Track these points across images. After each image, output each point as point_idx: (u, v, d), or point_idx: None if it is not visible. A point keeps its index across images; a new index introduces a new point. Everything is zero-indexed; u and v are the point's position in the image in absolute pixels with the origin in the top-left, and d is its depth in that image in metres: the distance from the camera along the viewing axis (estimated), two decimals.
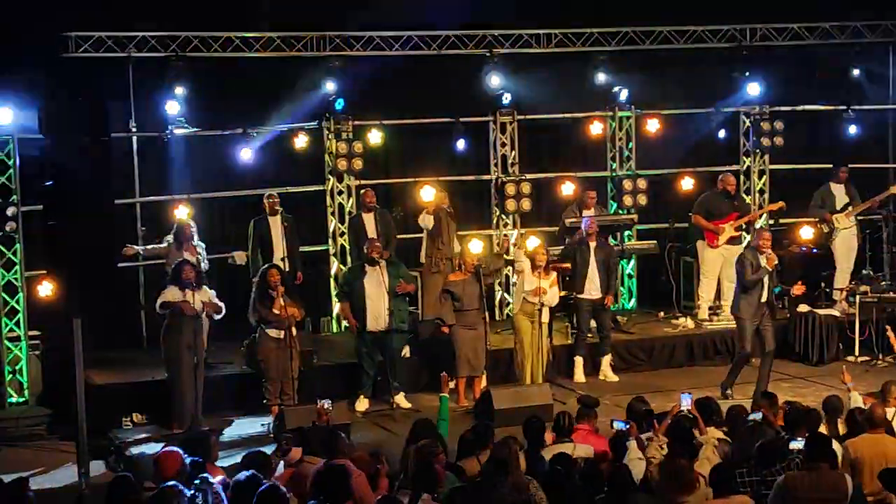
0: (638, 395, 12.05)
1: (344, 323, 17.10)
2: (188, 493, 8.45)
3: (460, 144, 17.65)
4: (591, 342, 16.00)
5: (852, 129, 18.79)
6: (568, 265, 15.80)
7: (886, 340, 16.04)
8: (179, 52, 16.29)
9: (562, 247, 16.73)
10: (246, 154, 16.64)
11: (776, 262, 14.49)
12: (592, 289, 15.68)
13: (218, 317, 14.01)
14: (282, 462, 10.09)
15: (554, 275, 14.98)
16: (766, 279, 14.45)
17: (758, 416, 10.58)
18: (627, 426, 10.15)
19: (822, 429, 10.54)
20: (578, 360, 15.80)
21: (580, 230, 16.01)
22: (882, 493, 9.40)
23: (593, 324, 16.01)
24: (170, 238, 15.32)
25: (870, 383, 14.45)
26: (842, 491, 8.87)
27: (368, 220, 16.26)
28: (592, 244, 15.77)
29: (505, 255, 17.78)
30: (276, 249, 15.65)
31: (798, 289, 14.93)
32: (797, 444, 9.50)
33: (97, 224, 15.75)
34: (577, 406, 11.56)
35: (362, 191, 16.68)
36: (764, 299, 14.50)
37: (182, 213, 15.57)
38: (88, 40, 15.99)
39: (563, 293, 15.63)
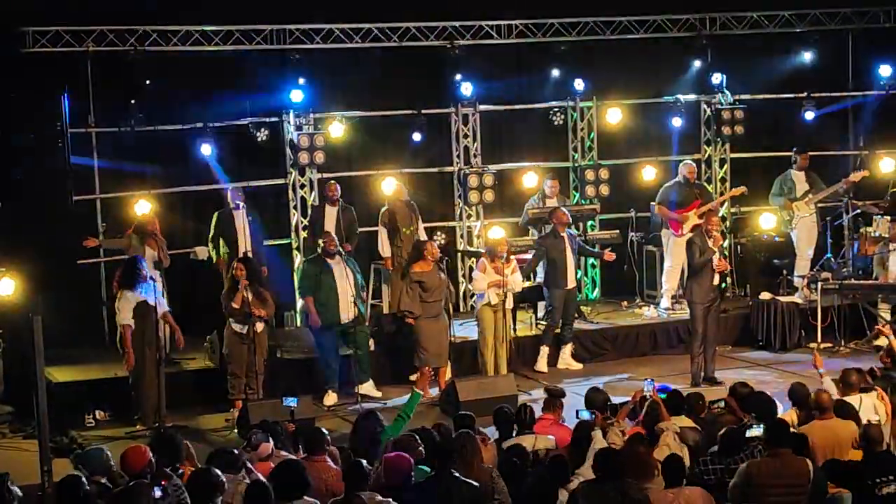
0: (595, 385, 12.05)
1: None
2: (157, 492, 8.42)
3: (416, 136, 17.58)
4: (555, 332, 16.02)
5: (812, 116, 18.86)
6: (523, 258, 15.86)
7: (848, 328, 16.27)
8: (138, 46, 16.19)
9: (525, 237, 16.77)
10: (206, 149, 16.52)
11: (721, 242, 14.57)
12: (569, 280, 15.70)
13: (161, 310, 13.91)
14: (249, 457, 10.06)
15: (514, 262, 15.01)
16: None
17: (720, 403, 10.62)
18: (593, 416, 10.18)
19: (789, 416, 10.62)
20: (544, 350, 15.82)
21: (556, 218, 15.90)
22: None
23: None
24: (132, 235, 15.26)
25: (832, 370, 14.56)
26: (804, 476, 8.92)
27: (330, 213, 16.23)
28: (564, 234, 15.76)
29: (468, 247, 17.82)
30: (239, 242, 15.56)
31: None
32: (756, 432, 9.53)
33: (57, 221, 15.74)
34: (543, 396, 11.55)
35: (327, 184, 16.62)
36: (715, 282, 14.62)
37: (143, 208, 15.48)
38: (46, 35, 15.86)
39: (528, 283, 15.70)
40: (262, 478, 8.96)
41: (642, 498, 8.61)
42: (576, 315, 16.88)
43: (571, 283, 15.77)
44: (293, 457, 9.90)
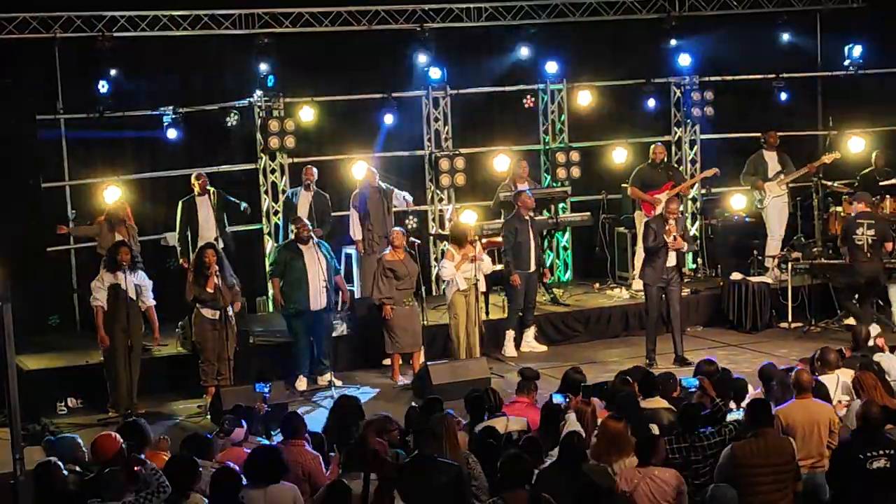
0: (574, 366, 12.09)
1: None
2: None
3: (388, 119, 17.57)
4: (517, 316, 16.00)
5: (783, 97, 18.94)
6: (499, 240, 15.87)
7: (819, 307, 16.34)
8: (106, 31, 16.11)
9: (497, 221, 16.78)
10: (173, 133, 16.48)
11: (675, 232, 14.64)
12: (532, 263, 15.70)
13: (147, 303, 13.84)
14: (222, 442, 10.05)
15: (479, 245, 14.99)
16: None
17: (694, 383, 10.65)
18: (567, 399, 10.16)
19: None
20: (510, 334, 15.80)
21: (521, 202, 15.89)
22: (818, 457, 9.58)
23: None
24: (101, 220, 15.19)
25: (803, 349, 14.66)
26: (789, 454, 8.99)
27: (304, 197, 16.19)
28: (527, 218, 15.77)
29: (440, 231, 17.79)
30: (203, 230, 15.49)
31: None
32: (736, 415, 9.55)
33: (25, 208, 15.67)
34: (517, 379, 11.54)
35: (303, 168, 16.55)
36: (671, 264, 14.75)
37: (113, 194, 15.42)
38: (13, 22, 15.77)
39: (497, 267, 15.70)
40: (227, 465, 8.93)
41: (603, 481, 8.65)
42: (550, 298, 16.97)
43: (533, 267, 15.74)
44: (266, 442, 9.92)
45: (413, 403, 11.55)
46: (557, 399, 10.17)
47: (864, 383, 10.41)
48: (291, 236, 14.75)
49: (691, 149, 19.27)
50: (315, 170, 16.41)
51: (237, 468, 8.54)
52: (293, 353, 14.66)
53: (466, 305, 14.75)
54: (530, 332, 16.00)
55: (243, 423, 10.33)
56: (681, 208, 17.10)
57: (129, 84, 16.35)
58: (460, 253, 14.74)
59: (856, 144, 18.41)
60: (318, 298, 14.36)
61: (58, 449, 9.60)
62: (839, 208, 17.29)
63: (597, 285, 18.04)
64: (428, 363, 14.28)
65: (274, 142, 17.01)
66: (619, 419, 9.31)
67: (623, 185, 17.96)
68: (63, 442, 9.79)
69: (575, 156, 18.36)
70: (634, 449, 9.00)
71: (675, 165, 18.54)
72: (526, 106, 18.32)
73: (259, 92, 17.06)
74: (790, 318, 16.45)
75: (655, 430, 9.47)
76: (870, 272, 15.52)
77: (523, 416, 10.60)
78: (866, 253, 15.39)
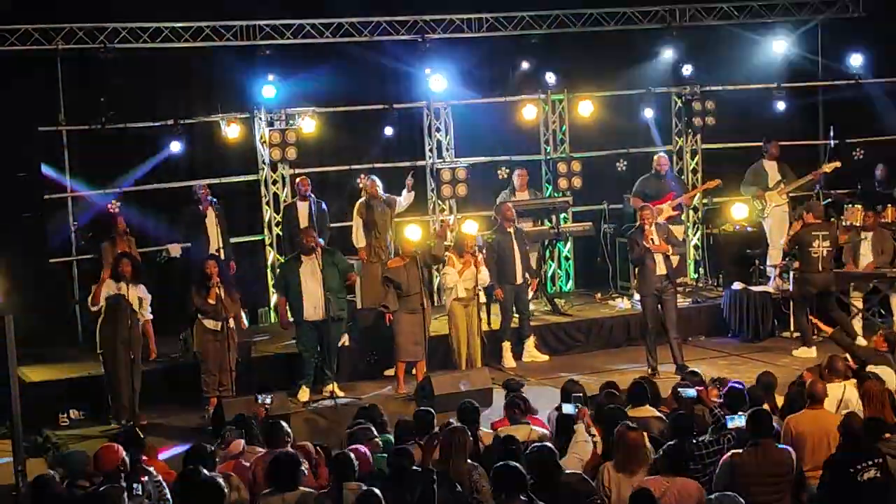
0: (571, 377, 12.07)
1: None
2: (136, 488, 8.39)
3: (388, 131, 17.59)
4: (514, 327, 15.98)
5: (783, 107, 18.96)
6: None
7: (821, 316, 16.32)
8: (108, 43, 16.14)
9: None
10: (176, 146, 16.51)
11: (653, 236, 14.65)
12: (518, 275, 15.68)
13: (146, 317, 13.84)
14: (222, 454, 10.05)
15: (481, 256, 14.99)
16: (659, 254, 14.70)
17: (692, 393, 10.63)
18: (577, 409, 10.11)
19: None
20: (506, 346, 15.79)
21: (501, 214, 15.89)
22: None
23: None
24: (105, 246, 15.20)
25: (805, 360, 14.67)
26: (788, 465, 8.96)
27: (302, 208, 16.22)
28: (511, 230, 15.75)
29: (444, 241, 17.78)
30: (209, 240, 15.54)
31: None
32: (738, 422, 9.53)
33: (28, 219, 15.69)
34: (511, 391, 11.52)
35: (297, 179, 16.60)
36: (660, 272, 14.77)
37: (114, 207, 15.46)
38: (15, 34, 15.79)
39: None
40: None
41: (583, 489, 8.61)
42: (550, 308, 16.98)
43: (520, 279, 15.73)
44: (262, 451, 9.89)
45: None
46: (568, 409, 10.11)
47: (873, 395, 10.33)
48: (298, 249, 14.73)
49: (692, 158, 19.27)
50: (309, 180, 16.43)
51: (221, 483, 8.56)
52: (299, 361, 14.65)
53: (467, 316, 14.75)
54: (531, 343, 16.00)
55: (243, 434, 10.31)
56: (682, 215, 17.19)
57: (130, 95, 16.37)
58: (461, 262, 14.75)
59: (856, 154, 18.42)
60: (315, 309, 14.34)
61: (68, 464, 9.58)
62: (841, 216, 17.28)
63: (598, 295, 18.05)
64: (430, 373, 14.28)
65: (275, 153, 17.02)
66: (637, 429, 9.25)
67: (625, 195, 17.98)
68: (73, 457, 9.75)
69: (576, 166, 18.35)
70: (660, 459, 8.93)
71: (678, 175, 18.55)
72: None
73: (260, 103, 17.06)
74: (792, 328, 16.43)
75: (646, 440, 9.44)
76: (822, 283, 15.52)
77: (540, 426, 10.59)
78: (819, 265, 15.41)
